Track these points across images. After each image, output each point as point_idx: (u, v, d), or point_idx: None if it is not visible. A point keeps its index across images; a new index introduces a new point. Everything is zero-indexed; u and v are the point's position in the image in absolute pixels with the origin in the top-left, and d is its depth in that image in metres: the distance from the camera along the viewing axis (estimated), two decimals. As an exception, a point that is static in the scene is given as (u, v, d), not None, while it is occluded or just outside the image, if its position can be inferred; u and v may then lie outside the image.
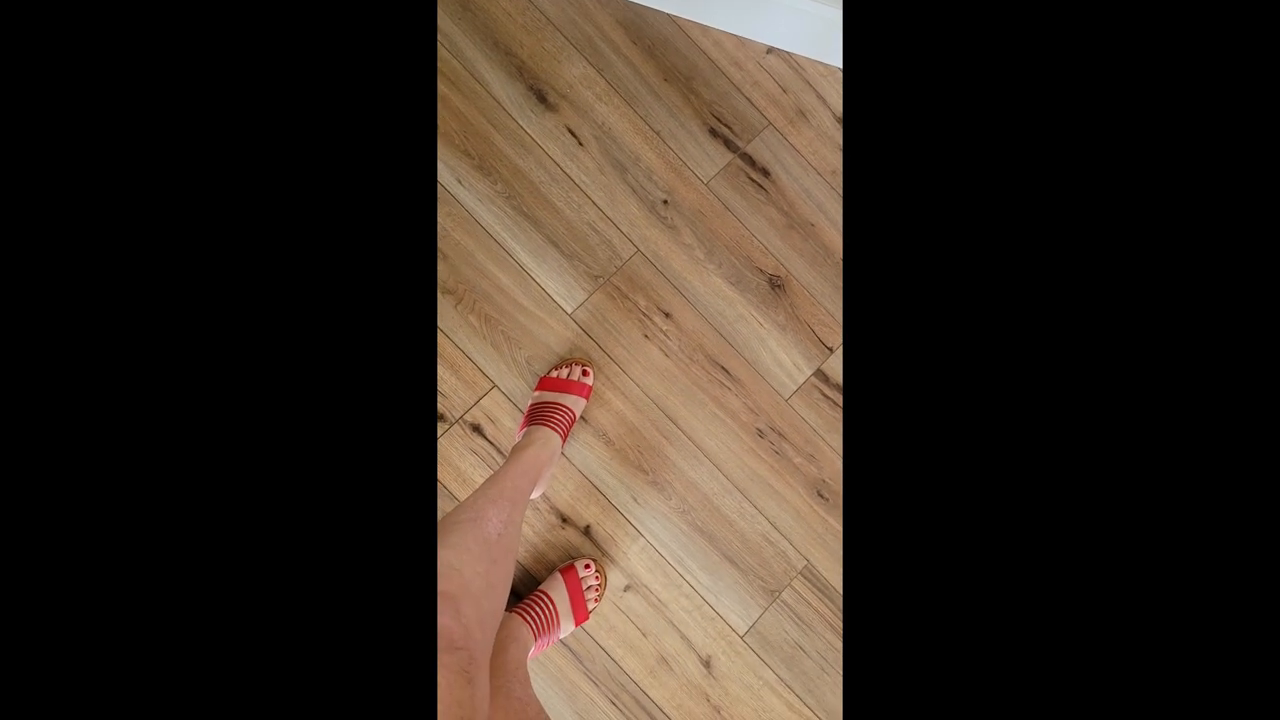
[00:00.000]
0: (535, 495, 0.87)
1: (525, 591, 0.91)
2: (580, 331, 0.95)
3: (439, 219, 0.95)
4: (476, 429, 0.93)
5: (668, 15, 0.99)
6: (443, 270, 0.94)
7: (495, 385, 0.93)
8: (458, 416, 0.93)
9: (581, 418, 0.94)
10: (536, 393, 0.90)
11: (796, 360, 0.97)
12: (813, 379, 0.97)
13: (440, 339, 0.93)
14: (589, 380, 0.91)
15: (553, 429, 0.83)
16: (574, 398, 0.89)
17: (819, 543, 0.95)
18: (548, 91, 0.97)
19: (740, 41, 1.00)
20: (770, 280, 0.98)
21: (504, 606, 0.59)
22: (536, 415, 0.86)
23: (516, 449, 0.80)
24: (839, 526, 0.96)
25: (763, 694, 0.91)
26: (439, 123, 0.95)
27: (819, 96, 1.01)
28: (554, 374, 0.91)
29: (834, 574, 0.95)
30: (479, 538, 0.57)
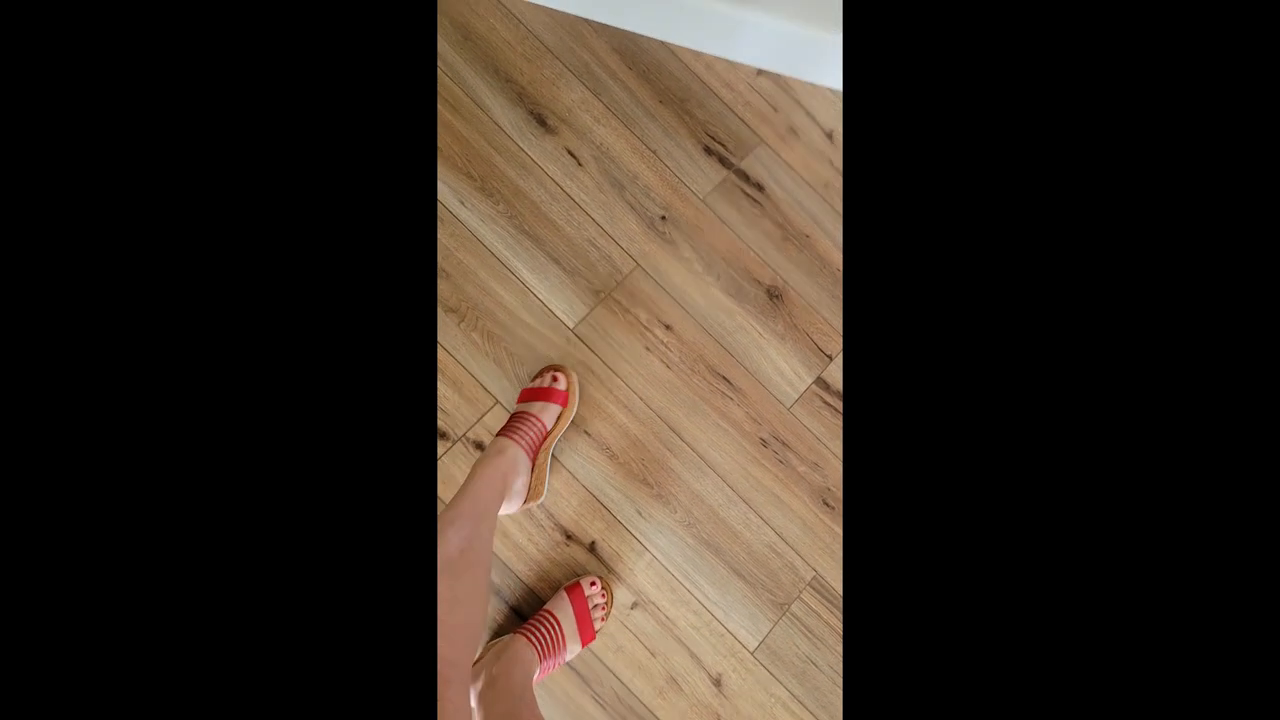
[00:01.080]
0: (513, 509, 0.85)
1: (530, 612, 0.89)
2: (582, 346, 0.95)
3: (442, 239, 0.96)
4: (479, 446, 0.92)
5: (660, 41, 1.03)
6: (446, 288, 0.96)
7: (498, 402, 0.93)
8: (460, 434, 0.92)
9: (585, 432, 0.94)
10: (517, 405, 0.90)
11: (797, 369, 0.97)
12: (814, 387, 0.97)
13: (443, 356, 0.94)
14: (561, 385, 0.90)
15: (510, 439, 0.81)
16: (545, 405, 0.87)
17: (826, 552, 0.94)
18: (547, 115, 1.00)
19: (731, 65, 1.04)
20: (768, 291, 0.99)
21: (481, 620, 0.59)
22: (504, 426, 0.85)
23: (475, 464, 0.79)
24: (847, 536, 0.95)
25: (775, 711, 0.88)
26: (442, 147, 0.98)
27: (808, 114, 1.04)
28: (533, 383, 0.91)
29: (842, 583, 0.93)
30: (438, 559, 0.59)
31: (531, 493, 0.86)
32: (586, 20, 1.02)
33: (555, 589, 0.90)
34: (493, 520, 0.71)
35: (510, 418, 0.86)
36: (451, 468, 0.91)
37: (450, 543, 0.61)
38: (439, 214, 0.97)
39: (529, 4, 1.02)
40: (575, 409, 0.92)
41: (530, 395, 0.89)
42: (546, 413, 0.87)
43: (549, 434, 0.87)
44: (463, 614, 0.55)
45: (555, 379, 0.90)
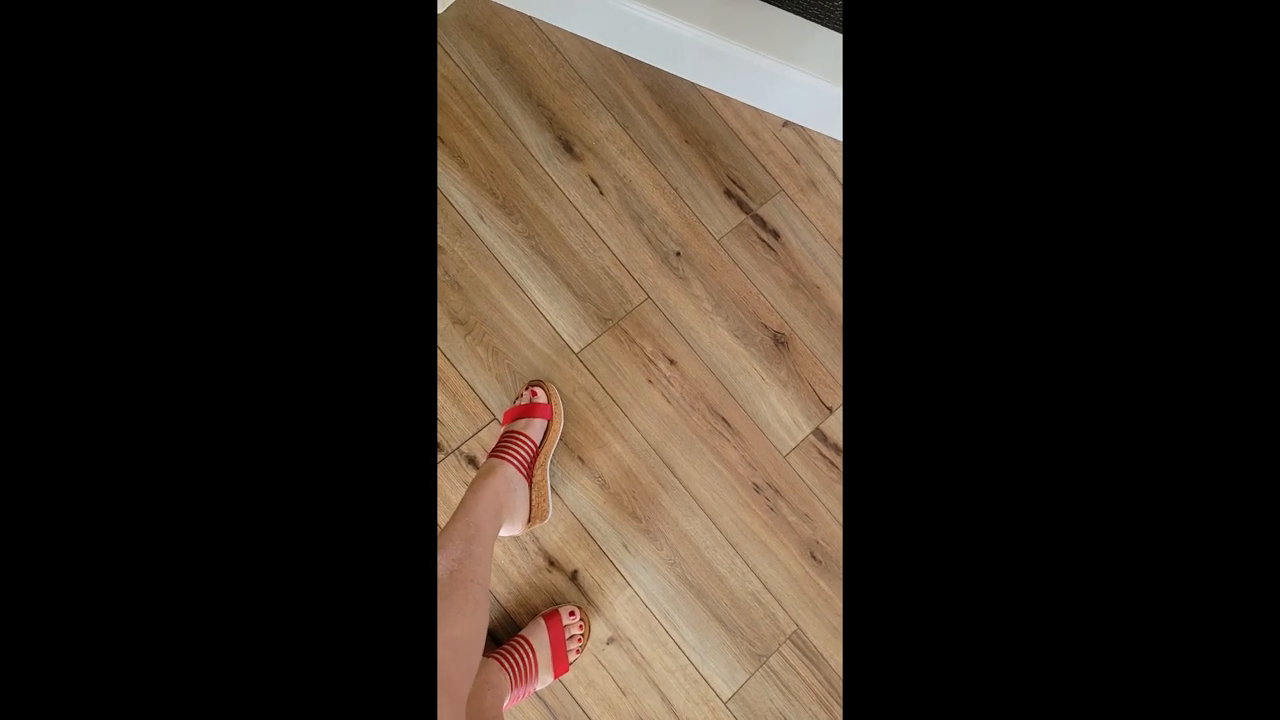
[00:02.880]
0: (517, 530, 0.84)
1: (505, 636, 0.87)
2: (585, 371, 0.95)
3: (458, 251, 0.97)
4: (472, 461, 0.91)
5: (692, 84, 1.05)
6: (456, 301, 0.96)
7: (495, 418, 0.93)
8: (454, 447, 0.92)
9: (579, 458, 0.93)
10: (503, 426, 0.90)
11: (796, 417, 0.98)
12: (811, 437, 0.97)
13: (446, 367, 0.94)
14: (542, 398, 0.90)
15: (501, 458, 0.81)
16: (530, 420, 0.87)
17: (810, 607, 0.92)
18: (574, 142, 1.01)
19: (758, 113, 1.06)
20: (774, 337, 1.00)
21: (474, 637, 0.57)
22: (494, 448, 0.85)
23: (469, 486, 0.79)
24: (830, 591, 0.94)
25: (744, 767, 0.86)
26: (469, 162, 0.99)
27: (829, 169, 1.07)
28: (515, 402, 0.91)
29: (823, 641, 0.92)
30: None
31: (535, 512, 0.85)
32: (622, 55, 1.05)
33: (533, 615, 0.88)
34: (487, 540, 0.69)
35: (499, 438, 0.86)
36: (441, 480, 0.90)
37: (440, 566, 0.61)
38: (458, 226, 0.98)
39: (568, 34, 1.04)
40: (562, 421, 0.91)
41: (515, 414, 0.88)
42: (532, 428, 0.86)
43: (539, 450, 0.87)
44: (447, 631, 0.54)
45: (535, 393, 0.90)
